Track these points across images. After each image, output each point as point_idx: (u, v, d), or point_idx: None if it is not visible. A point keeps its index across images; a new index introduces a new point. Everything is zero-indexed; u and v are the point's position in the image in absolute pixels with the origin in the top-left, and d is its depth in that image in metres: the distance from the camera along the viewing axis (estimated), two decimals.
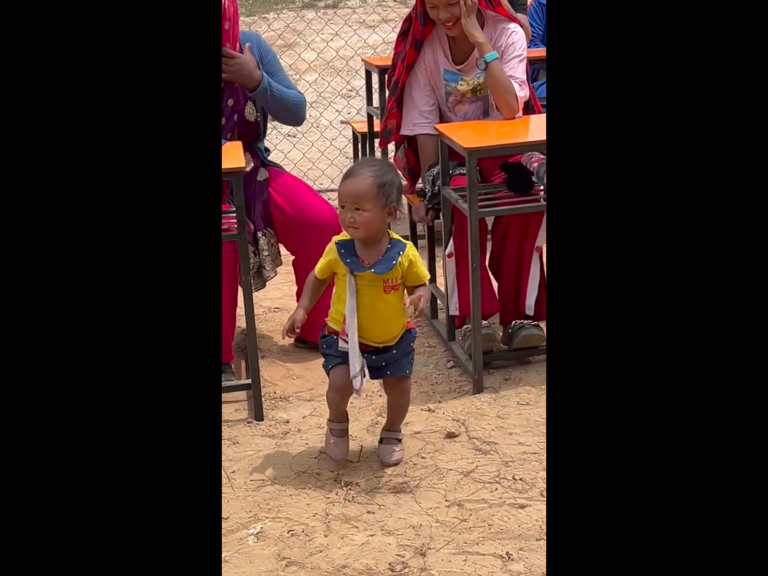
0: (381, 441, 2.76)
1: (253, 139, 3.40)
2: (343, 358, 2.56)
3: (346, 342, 2.53)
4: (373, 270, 2.50)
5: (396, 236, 2.58)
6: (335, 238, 2.57)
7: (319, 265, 2.59)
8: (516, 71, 3.29)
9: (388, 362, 2.61)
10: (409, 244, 2.58)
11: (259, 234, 3.34)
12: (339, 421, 2.69)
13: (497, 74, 3.24)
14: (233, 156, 2.97)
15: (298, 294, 3.46)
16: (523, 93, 3.27)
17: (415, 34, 3.37)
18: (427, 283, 2.62)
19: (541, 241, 3.20)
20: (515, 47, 3.31)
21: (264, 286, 3.44)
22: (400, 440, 2.75)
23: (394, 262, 2.52)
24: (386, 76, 3.57)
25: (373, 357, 2.58)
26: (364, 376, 2.56)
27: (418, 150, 3.48)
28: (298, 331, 2.57)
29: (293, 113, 3.37)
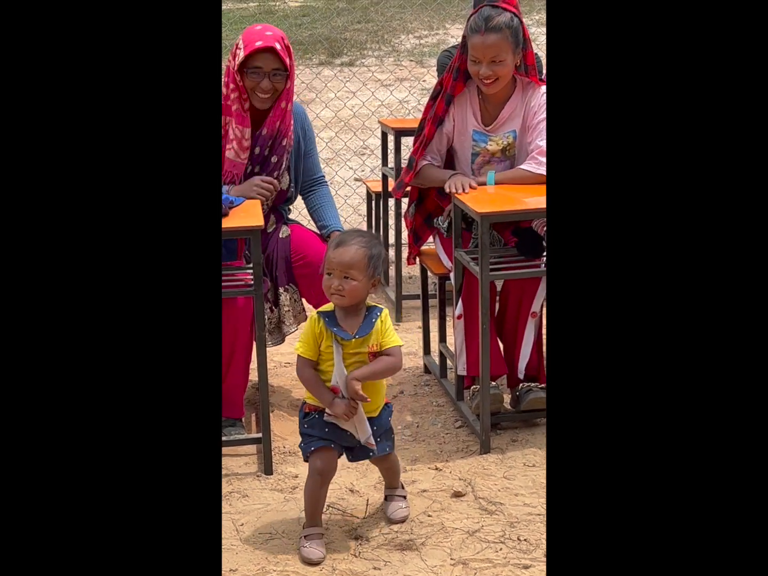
0: (386, 498, 2.80)
1: (281, 203, 3.51)
2: (330, 436, 2.57)
3: None
4: (357, 336, 2.53)
5: (371, 303, 2.62)
6: (315, 311, 2.61)
7: (304, 347, 2.56)
8: (543, 138, 3.24)
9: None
10: (385, 309, 2.63)
11: (281, 290, 3.42)
12: (315, 525, 2.63)
13: (509, 181, 3.29)
14: (252, 214, 3.05)
15: None
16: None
17: (446, 88, 3.37)
18: (396, 349, 2.58)
19: (537, 306, 3.26)
20: (544, 109, 3.29)
21: (283, 341, 3.51)
22: (404, 497, 2.79)
23: (374, 320, 2.56)
24: (414, 138, 3.55)
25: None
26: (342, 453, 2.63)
27: (424, 177, 3.43)
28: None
29: None
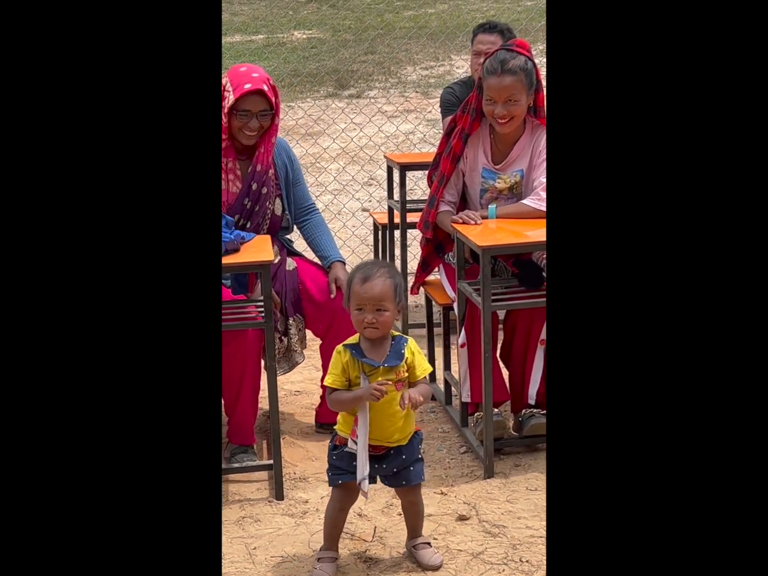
0: (414, 548, 2.74)
1: (278, 230, 3.63)
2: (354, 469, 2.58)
3: (356, 443, 2.57)
4: (386, 364, 2.57)
5: (396, 333, 2.68)
6: (340, 345, 2.62)
7: (332, 377, 2.59)
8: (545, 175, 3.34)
9: (400, 469, 2.64)
10: (410, 338, 2.68)
11: (290, 320, 3.53)
12: (330, 549, 2.70)
13: (510, 215, 3.40)
14: (262, 249, 3.17)
15: (323, 378, 3.61)
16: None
17: (463, 127, 3.50)
18: (427, 378, 2.67)
19: (546, 334, 3.35)
20: None
21: (292, 369, 3.61)
22: (429, 543, 2.75)
23: (402, 351, 2.61)
24: (428, 172, 3.69)
25: (384, 465, 2.63)
26: (374, 481, 2.64)
27: (439, 221, 3.54)
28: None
29: None
